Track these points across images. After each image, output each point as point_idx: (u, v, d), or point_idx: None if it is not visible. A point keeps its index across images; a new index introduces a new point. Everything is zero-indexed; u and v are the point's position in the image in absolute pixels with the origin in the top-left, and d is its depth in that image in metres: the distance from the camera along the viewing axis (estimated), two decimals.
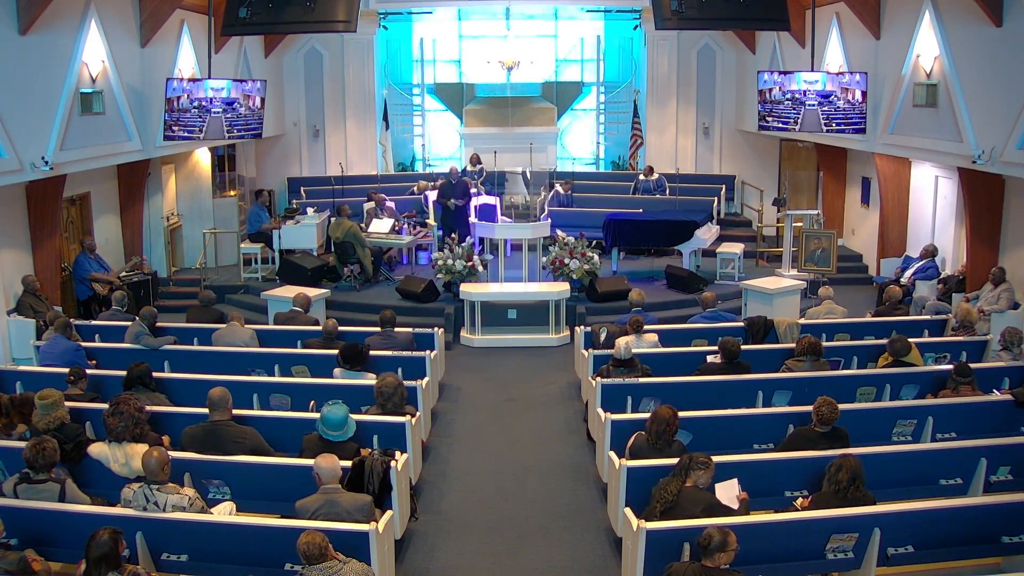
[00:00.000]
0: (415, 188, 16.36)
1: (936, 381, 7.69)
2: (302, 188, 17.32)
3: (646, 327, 9.07)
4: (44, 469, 5.53)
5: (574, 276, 12.37)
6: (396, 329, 9.29)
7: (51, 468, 5.58)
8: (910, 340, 8.19)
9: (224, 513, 5.72)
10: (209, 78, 12.35)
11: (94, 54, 10.97)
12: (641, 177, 16.90)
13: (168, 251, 14.46)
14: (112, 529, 4.61)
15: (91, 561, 4.52)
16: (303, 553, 4.60)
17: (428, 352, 8.90)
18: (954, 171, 11.90)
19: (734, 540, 4.66)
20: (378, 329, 9.23)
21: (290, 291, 10.87)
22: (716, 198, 16.54)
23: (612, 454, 6.51)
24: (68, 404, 6.52)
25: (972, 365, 8.17)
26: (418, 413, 7.51)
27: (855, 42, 13.32)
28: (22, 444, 5.84)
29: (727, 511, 5.47)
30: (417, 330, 9.72)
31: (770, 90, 12.68)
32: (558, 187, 16.05)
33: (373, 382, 7.14)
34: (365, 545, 5.23)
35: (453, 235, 13.37)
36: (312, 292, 11.54)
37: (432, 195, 15.61)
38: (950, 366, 7.65)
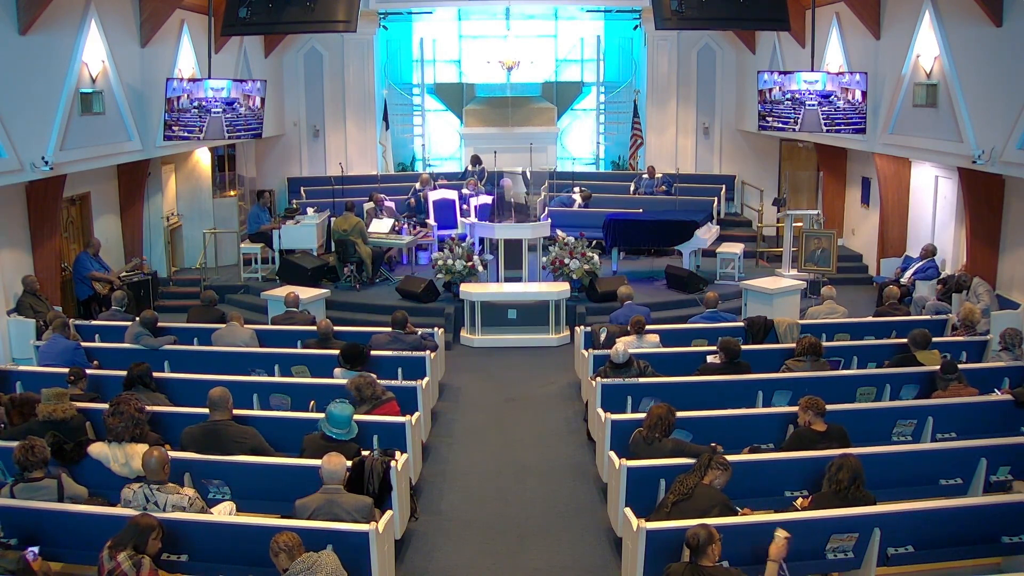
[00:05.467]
0: (418, 184, 16.29)
1: (932, 381, 7.69)
2: (302, 188, 17.33)
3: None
4: (37, 467, 5.54)
5: (574, 276, 12.37)
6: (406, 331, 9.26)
7: (44, 465, 5.58)
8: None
9: (224, 513, 5.72)
10: (209, 78, 12.35)
11: (94, 54, 10.97)
12: (644, 176, 16.92)
13: (168, 251, 14.46)
14: (159, 522, 4.88)
15: (124, 531, 4.76)
16: (288, 548, 4.66)
17: (428, 352, 8.90)
18: (954, 171, 11.90)
19: (715, 530, 4.71)
20: (388, 329, 9.22)
21: (286, 292, 10.86)
22: (716, 198, 16.55)
23: (612, 454, 6.50)
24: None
25: (972, 365, 8.21)
26: (417, 412, 7.52)
27: (855, 42, 13.32)
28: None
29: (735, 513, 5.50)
30: (418, 330, 9.71)
31: (770, 90, 12.68)
32: (576, 197, 15.99)
33: None
34: (365, 545, 5.24)
35: None
36: (312, 292, 11.56)
37: (433, 195, 15.60)
38: None
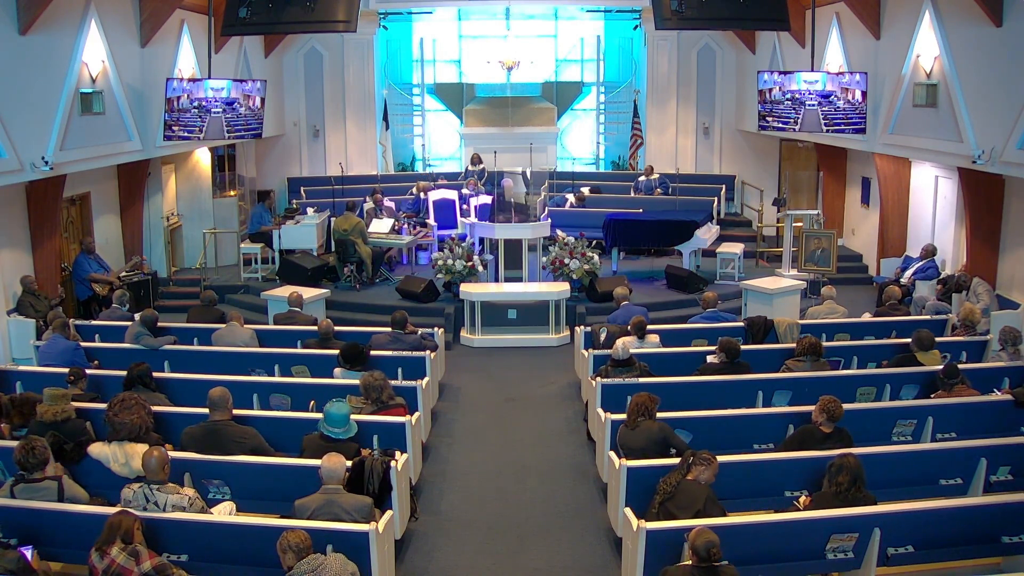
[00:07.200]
0: (414, 189, 16.32)
1: (932, 381, 7.68)
2: (302, 188, 17.33)
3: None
4: (37, 468, 5.53)
5: (574, 276, 12.37)
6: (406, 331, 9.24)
7: (44, 466, 5.57)
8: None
9: (224, 513, 5.72)
10: (209, 78, 12.35)
11: (94, 54, 10.97)
12: (641, 178, 16.90)
13: (168, 251, 14.45)
14: (136, 517, 4.91)
15: (106, 531, 4.78)
16: (296, 548, 4.65)
17: (428, 352, 8.90)
18: (954, 171, 11.90)
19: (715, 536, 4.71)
20: (388, 329, 9.21)
21: (289, 291, 10.87)
22: (716, 198, 16.54)
23: (612, 454, 6.51)
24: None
25: (972, 365, 8.21)
26: (417, 412, 7.51)
27: (855, 42, 13.32)
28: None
29: (721, 509, 5.50)
30: (418, 330, 9.70)
31: (770, 90, 12.68)
32: (570, 198, 15.95)
33: None
34: (365, 545, 5.24)
35: None
36: (312, 292, 11.55)
37: (433, 195, 15.59)
38: None
